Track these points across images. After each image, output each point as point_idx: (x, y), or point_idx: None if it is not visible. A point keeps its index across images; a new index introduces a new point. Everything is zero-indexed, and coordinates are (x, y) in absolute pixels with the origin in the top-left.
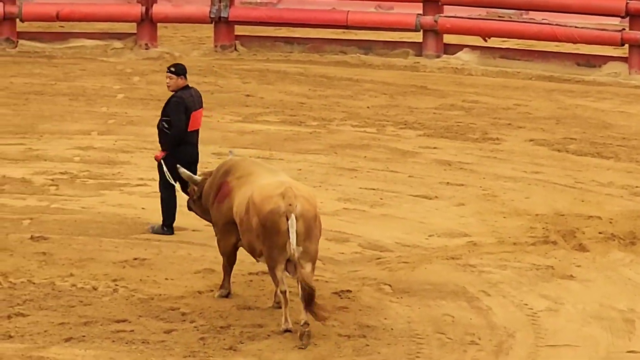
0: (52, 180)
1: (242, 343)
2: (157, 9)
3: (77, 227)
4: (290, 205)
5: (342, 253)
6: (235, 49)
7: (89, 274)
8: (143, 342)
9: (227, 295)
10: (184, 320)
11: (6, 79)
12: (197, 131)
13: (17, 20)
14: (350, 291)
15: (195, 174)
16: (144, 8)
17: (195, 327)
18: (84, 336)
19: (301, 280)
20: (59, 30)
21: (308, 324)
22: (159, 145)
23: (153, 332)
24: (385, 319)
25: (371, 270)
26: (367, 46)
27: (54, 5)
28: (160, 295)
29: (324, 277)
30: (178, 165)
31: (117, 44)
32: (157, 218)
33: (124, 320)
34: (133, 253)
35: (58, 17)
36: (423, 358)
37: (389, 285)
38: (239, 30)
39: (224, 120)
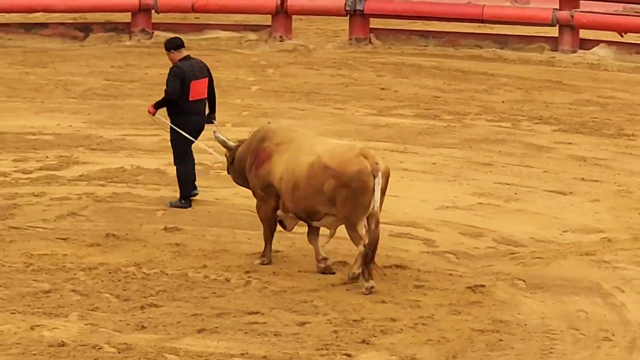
0: None
1: (375, 336)
2: (292, 2)
3: (211, 218)
4: (377, 164)
5: (476, 248)
6: (370, 42)
7: (222, 266)
8: (275, 335)
9: (268, 263)
10: (317, 313)
11: (141, 69)
12: (202, 101)
13: (153, 11)
14: (484, 286)
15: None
16: (279, 0)
17: (328, 319)
18: (216, 327)
19: (376, 237)
20: (194, 22)
21: (374, 287)
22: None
23: (286, 325)
24: (518, 314)
25: (505, 265)
26: (502, 40)
27: None
28: (293, 287)
29: (457, 271)
30: (214, 131)
31: (252, 35)
32: None
33: (256, 312)
34: None
35: (193, 9)
36: (556, 354)
37: (523, 281)
38: (374, 23)
39: (358, 113)
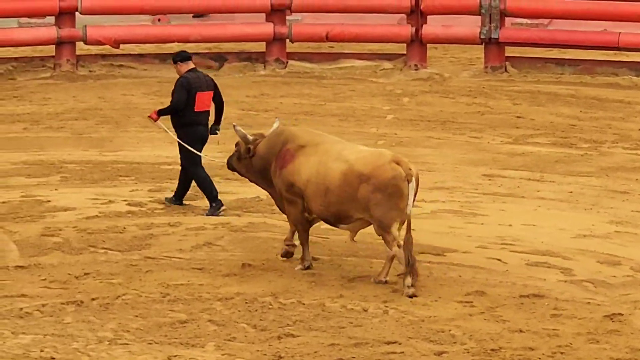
0: None
1: None
2: (427, 30)
3: (347, 248)
4: (410, 169)
5: (614, 276)
6: (506, 70)
7: (359, 295)
8: None
9: (309, 267)
10: (455, 342)
11: (276, 99)
12: (206, 112)
13: (287, 40)
14: (622, 314)
15: (201, 151)
16: (413, 29)
17: (465, 349)
18: (353, 357)
19: (411, 239)
20: (329, 51)
21: (414, 285)
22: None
23: (423, 354)
24: None
25: None
26: (638, 68)
27: (324, 26)
28: (430, 317)
29: (595, 300)
30: (234, 124)
31: (387, 64)
32: (427, 238)
33: (394, 342)
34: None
35: (328, 38)
36: None
37: None
38: (510, 51)
39: (494, 141)
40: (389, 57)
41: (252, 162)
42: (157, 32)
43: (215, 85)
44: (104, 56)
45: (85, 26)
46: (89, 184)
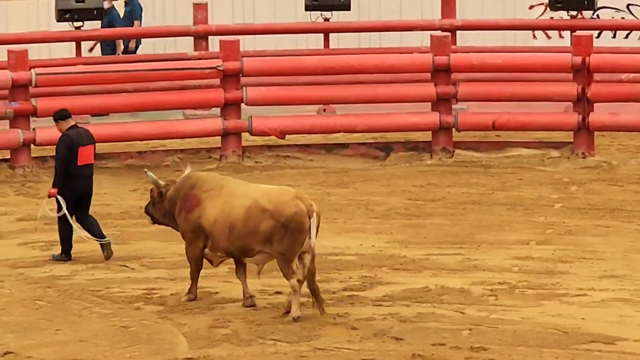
0: (491, 290)
1: None
2: (594, 118)
3: (517, 337)
4: (311, 205)
5: None
6: None
7: None
8: None
9: (193, 299)
10: None
11: (443, 188)
12: (88, 165)
13: (453, 129)
14: None
15: (88, 206)
16: (580, 117)
17: None
18: None
19: (313, 270)
20: (496, 140)
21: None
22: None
23: None
24: None
25: None
26: None
27: (490, 114)
28: None
29: None
30: (146, 170)
31: (554, 152)
32: (597, 326)
33: None
34: None
35: (494, 126)
36: None
37: None
38: None
39: None
40: (556, 145)
41: (163, 205)
42: (322, 122)
43: (94, 140)
44: (269, 147)
45: (251, 117)
46: (256, 275)
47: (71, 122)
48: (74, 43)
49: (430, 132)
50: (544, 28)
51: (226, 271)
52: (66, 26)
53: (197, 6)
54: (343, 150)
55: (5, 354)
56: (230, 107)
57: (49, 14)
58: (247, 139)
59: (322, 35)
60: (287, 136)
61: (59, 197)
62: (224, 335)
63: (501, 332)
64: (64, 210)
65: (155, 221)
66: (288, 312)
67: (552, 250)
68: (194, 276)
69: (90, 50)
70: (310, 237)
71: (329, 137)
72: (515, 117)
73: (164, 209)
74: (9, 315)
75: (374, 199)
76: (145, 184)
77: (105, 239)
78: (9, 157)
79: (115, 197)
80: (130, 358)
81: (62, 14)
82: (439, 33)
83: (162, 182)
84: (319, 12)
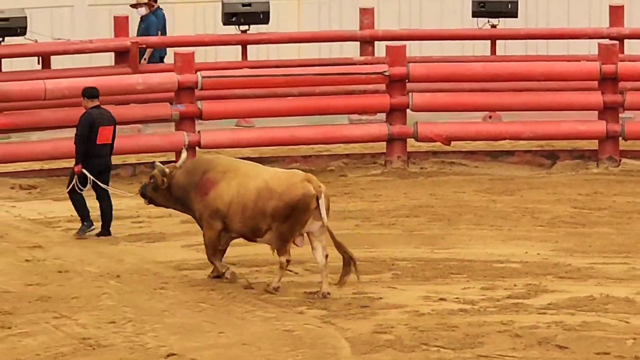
0: None
1: None
2: None
3: None
4: (319, 187)
5: None
6: None
7: None
8: None
9: (219, 276)
10: None
11: (609, 197)
12: (106, 145)
13: (620, 138)
14: None
15: (107, 181)
16: None
17: None
18: None
19: (342, 242)
20: None
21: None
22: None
23: None
24: None
25: None
26: None
27: None
28: None
29: None
30: (154, 160)
31: None
32: None
33: None
34: None
35: None
36: None
37: None
38: None
39: None
40: None
41: (169, 191)
42: (488, 129)
43: (115, 121)
44: (435, 153)
45: (416, 123)
46: (420, 281)
47: (96, 102)
48: (239, 46)
49: (596, 140)
50: None
51: (390, 277)
52: (232, 29)
53: (363, 11)
54: (508, 158)
55: (168, 355)
56: (395, 112)
57: (215, 17)
58: (412, 144)
59: (488, 42)
60: (452, 142)
61: (84, 171)
62: (387, 341)
63: None
64: (94, 180)
65: (152, 203)
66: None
67: None
68: (215, 259)
69: (145, 60)
70: (322, 217)
71: (495, 144)
72: None
73: (170, 194)
74: (172, 317)
75: (540, 207)
76: None
77: (107, 233)
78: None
79: None
80: None
81: (229, 17)
82: (606, 41)
83: (167, 169)
84: (486, 19)
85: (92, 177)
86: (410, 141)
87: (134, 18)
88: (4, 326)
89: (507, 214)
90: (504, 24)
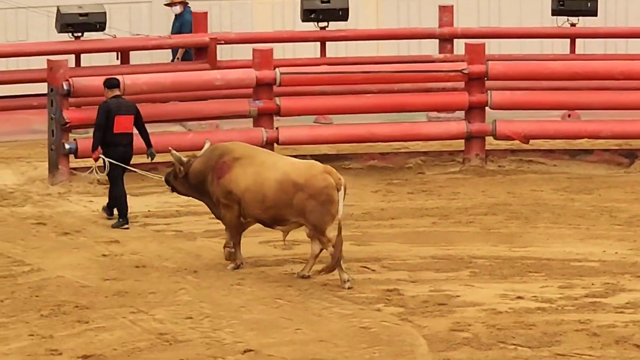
0: None
1: None
2: None
3: None
4: (339, 179)
5: None
6: None
7: None
8: None
9: (240, 266)
10: None
11: None
12: (125, 134)
13: None
14: None
15: (124, 171)
16: None
17: None
18: None
19: (341, 240)
20: None
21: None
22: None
23: None
24: None
25: None
26: None
27: None
28: None
29: None
30: (170, 148)
31: None
32: None
33: None
34: None
35: None
36: None
37: None
38: None
39: None
40: None
41: (187, 178)
42: (567, 128)
43: (137, 111)
44: (513, 151)
45: (495, 121)
46: (498, 279)
47: (117, 92)
48: (318, 43)
49: None
50: None
51: (467, 275)
52: (311, 26)
53: (442, 8)
54: (587, 156)
55: (245, 351)
56: (474, 110)
57: (294, 14)
58: (490, 142)
59: (567, 40)
60: (530, 141)
61: (103, 157)
62: (465, 339)
63: None
64: (112, 162)
65: (174, 190)
66: (307, 276)
67: None
68: (236, 241)
69: (179, 59)
70: (338, 211)
71: (573, 143)
72: None
73: (188, 181)
74: (249, 313)
75: (618, 206)
76: (387, 186)
77: (126, 224)
78: None
79: (356, 197)
80: (370, 359)
81: (308, 14)
82: None
83: (184, 159)
84: (565, 17)
85: (111, 161)
86: (489, 139)
87: (208, 15)
88: (81, 320)
89: (585, 213)
90: (584, 22)
